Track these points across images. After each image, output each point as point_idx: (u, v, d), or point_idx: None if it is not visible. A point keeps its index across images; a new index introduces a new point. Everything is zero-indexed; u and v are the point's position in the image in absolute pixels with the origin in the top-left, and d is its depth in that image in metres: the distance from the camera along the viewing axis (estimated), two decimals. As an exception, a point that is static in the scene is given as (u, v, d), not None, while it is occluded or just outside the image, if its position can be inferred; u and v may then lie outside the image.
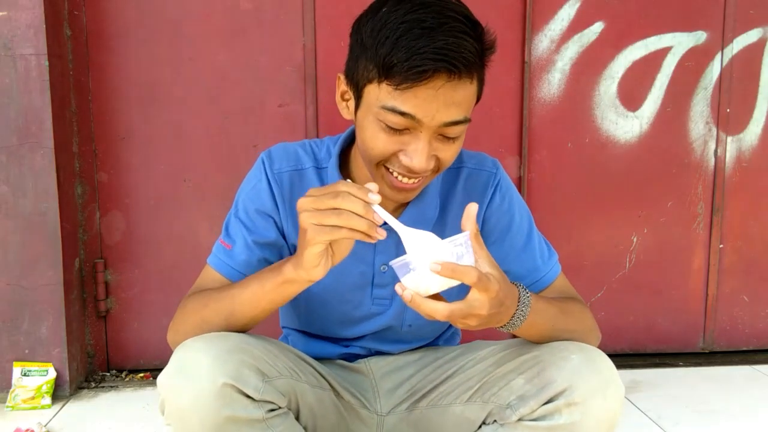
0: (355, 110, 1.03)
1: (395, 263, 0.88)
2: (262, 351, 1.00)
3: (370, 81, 0.97)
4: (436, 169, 1.03)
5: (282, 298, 0.99)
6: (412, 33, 0.91)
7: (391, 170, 1.01)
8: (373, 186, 0.88)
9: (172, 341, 1.08)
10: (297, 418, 1.06)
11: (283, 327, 1.32)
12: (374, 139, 0.99)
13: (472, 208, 0.89)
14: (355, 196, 0.85)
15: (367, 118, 1.00)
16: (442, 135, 0.98)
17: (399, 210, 1.14)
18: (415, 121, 0.95)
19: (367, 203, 0.86)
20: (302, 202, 0.88)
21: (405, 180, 1.01)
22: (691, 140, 2.06)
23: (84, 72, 1.83)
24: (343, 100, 1.06)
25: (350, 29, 1.03)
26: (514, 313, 0.95)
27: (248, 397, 0.93)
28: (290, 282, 0.95)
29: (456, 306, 0.87)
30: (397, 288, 0.89)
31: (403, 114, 0.94)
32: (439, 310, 0.87)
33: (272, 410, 0.97)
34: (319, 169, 1.15)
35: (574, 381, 0.95)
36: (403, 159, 0.98)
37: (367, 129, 1.00)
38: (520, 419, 1.01)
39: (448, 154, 1.01)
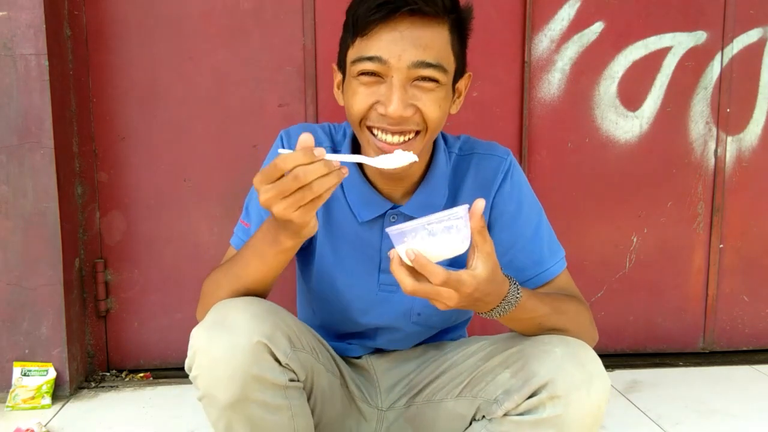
0: (343, 90, 1.07)
1: (391, 230, 0.89)
2: (292, 321, 1.03)
3: (347, 48, 1.02)
4: (424, 127, 1.03)
5: (286, 261, 1.01)
6: None
7: (374, 131, 1.02)
8: (308, 138, 0.85)
9: (200, 319, 1.10)
10: (308, 399, 1.08)
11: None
12: (353, 98, 1.02)
13: (479, 204, 0.89)
14: (308, 163, 0.82)
15: (349, 86, 1.03)
16: (417, 82, 1.00)
17: (407, 197, 1.15)
18: (382, 63, 0.98)
19: (320, 159, 0.84)
20: (266, 199, 0.85)
21: (389, 138, 1.01)
22: (691, 140, 2.06)
23: (84, 72, 1.83)
24: (338, 89, 1.10)
25: None
26: (495, 308, 0.96)
27: (276, 360, 0.96)
28: (291, 248, 0.97)
29: (422, 287, 0.87)
30: (390, 252, 0.89)
31: (370, 59, 0.98)
32: (406, 283, 0.87)
33: (292, 380, 0.99)
34: (335, 151, 1.16)
35: (556, 374, 0.96)
36: (379, 108, 1.00)
37: (347, 93, 1.04)
38: (505, 414, 1.01)
39: (429, 104, 1.01)
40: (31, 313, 1.74)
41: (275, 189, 0.84)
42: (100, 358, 1.93)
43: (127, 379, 1.91)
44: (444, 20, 1.00)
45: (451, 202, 1.16)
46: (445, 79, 1.01)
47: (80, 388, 1.84)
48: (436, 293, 0.88)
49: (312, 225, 0.90)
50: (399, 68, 0.98)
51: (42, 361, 1.74)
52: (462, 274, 0.88)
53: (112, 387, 1.86)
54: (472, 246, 0.90)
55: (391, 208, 1.14)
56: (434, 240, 0.86)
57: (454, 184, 1.18)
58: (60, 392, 1.75)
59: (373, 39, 0.98)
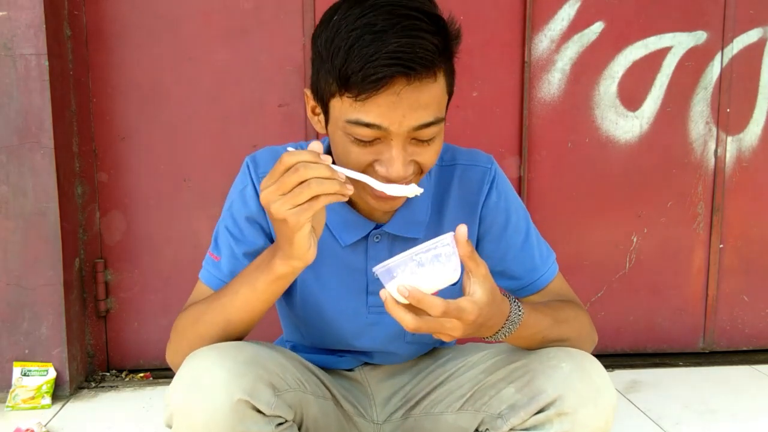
0: (325, 125, 1.00)
1: (378, 269, 0.86)
2: (273, 363, 0.98)
3: (332, 95, 0.94)
4: (419, 172, 0.99)
5: (276, 294, 0.98)
6: (363, 40, 0.87)
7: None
8: (317, 145, 0.85)
9: (172, 362, 1.05)
10: (299, 428, 1.05)
11: (286, 341, 1.30)
12: (347, 154, 0.96)
13: (462, 230, 0.86)
14: (313, 162, 0.82)
15: (336, 133, 0.97)
16: (416, 139, 0.95)
17: (388, 214, 1.11)
18: (382, 130, 0.92)
19: (325, 163, 0.83)
20: (265, 195, 0.84)
21: (387, 189, 0.96)
22: (691, 140, 2.06)
23: (84, 72, 1.83)
24: (314, 114, 1.04)
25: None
26: (499, 330, 0.94)
27: (260, 412, 0.92)
28: (283, 276, 0.93)
29: (424, 322, 0.85)
30: (381, 293, 0.87)
31: (368, 125, 0.91)
32: (407, 321, 0.85)
33: (280, 424, 0.96)
34: None
35: (564, 391, 0.95)
36: (380, 169, 0.95)
37: (338, 144, 0.97)
38: (511, 429, 1.00)
39: (427, 156, 0.97)
40: (31, 313, 1.74)
41: (276, 184, 0.83)
42: (100, 358, 1.93)
43: (127, 379, 1.91)
44: (440, 69, 0.93)
45: (436, 216, 1.13)
46: (442, 124, 0.97)
47: (80, 388, 1.84)
48: (439, 326, 0.85)
49: (303, 244, 0.87)
50: (399, 133, 0.92)
51: (42, 361, 1.74)
52: (461, 301, 0.85)
53: (112, 387, 1.86)
54: (465, 272, 0.88)
55: (374, 228, 1.11)
56: (425, 270, 0.84)
57: (437, 197, 1.14)
58: (60, 392, 1.75)
59: (369, 105, 0.90)
